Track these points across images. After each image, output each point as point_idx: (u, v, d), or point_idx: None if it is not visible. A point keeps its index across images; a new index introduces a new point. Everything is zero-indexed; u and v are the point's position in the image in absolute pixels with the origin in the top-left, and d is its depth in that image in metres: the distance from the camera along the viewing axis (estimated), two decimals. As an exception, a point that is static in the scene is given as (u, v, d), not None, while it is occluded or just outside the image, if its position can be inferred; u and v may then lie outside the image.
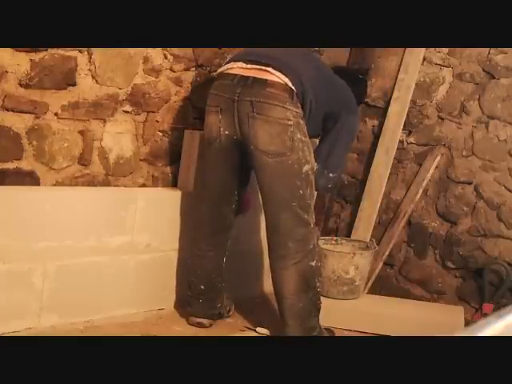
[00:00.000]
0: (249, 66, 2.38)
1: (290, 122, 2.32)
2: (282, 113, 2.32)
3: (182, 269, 2.79)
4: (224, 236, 2.63)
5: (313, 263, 2.43)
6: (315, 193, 2.53)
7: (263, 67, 2.36)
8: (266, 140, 2.33)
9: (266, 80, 2.33)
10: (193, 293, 2.65)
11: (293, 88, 2.33)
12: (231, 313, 2.80)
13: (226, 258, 2.67)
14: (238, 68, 2.40)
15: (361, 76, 3.11)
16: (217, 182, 2.52)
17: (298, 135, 2.34)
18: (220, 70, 2.51)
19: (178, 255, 2.80)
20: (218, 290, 2.68)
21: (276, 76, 2.34)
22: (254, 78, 2.35)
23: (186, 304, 2.70)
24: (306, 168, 2.38)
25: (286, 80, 2.33)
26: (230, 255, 2.70)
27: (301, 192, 2.37)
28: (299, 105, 2.37)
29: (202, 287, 2.62)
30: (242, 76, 2.37)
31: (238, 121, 2.37)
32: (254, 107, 2.32)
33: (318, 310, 2.50)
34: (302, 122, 2.37)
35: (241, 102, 2.35)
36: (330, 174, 2.59)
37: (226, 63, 2.50)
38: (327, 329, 2.62)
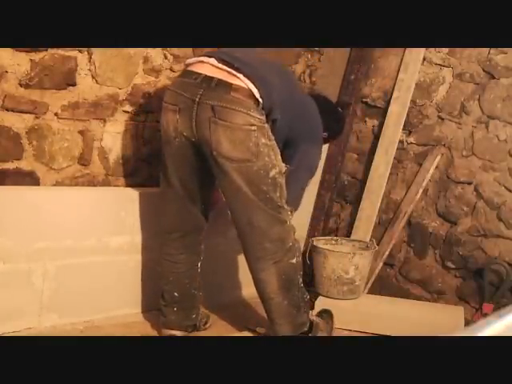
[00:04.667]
0: (220, 65, 2.25)
1: (253, 128, 2.20)
2: (245, 119, 2.19)
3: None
4: (195, 238, 2.52)
5: (293, 260, 2.37)
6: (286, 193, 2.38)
7: (234, 71, 2.23)
8: (229, 147, 2.20)
9: (231, 84, 2.21)
10: (166, 301, 2.53)
11: (259, 99, 2.22)
12: (208, 325, 2.69)
13: (200, 264, 2.56)
14: (207, 65, 2.27)
15: (340, 109, 3.01)
16: (180, 182, 2.40)
17: (263, 140, 2.23)
18: (189, 61, 2.38)
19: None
20: (194, 298, 2.58)
21: (243, 82, 2.21)
22: (219, 80, 2.22)
23: (159, 314, 2.57)
24: (272, 173, 2.27)
25: (254, 89, 2.21)
26: (231, 255, 2.69)
27: (267, 196, 2.27)
28: (263, 113, 2.26)
29: (176, 294, 2.52)
30: (206, 76, 2.24)
31: (195, 124, 2.24)
32: (215, 112, 2.19)
33: (307, 304, 2.47)
34: (266, 126, 2.26)
35: (201, 105, 2.22)
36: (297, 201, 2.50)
37: (199, 56, 2.38)
38: (325, 311, 2.64)
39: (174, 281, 2.52)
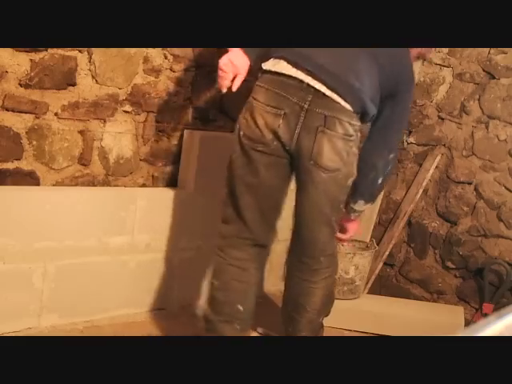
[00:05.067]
0: (316, 76, 2.09)
1: (352, 138, 2.12)
2: (348, 129, 2.10)
3: (182, 269, 2.79)
4: (266, 250, 2.32)
5: (336, 276, 2.37)
6: None
7: (328, 91, 2.08)
8: (329, 156, 2.09)
9: None
10: (224, 316, 2.19)
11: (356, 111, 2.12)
12: None
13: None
14: (303, 71, 2.10)
15: None
16: (265, 188, 2.17)
17: (354, 149, 2.15)
18: (275, 69, 2.14)
19: (178, 255, 2.80)
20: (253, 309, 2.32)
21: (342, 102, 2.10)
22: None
23: (208, 330, 2.21)
24: (350, 181, 2.19)
25: (349, 107, 2.10)
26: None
27: (341, 206, 2.23)
28: (359, 117, 2.16)
29: (240, 307, 2.21)
30: (310, 84, 2.08)
31: (299, 131, 2.08)
32: (326, 122, 2.06)
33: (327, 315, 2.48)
34: (359, 134, 2.17)
35: (311, 113, 2.07)
36: (391, 155, 2.31)
37: (276, 58, 2.16)
38: None
39: (241, 291, 2.23)
